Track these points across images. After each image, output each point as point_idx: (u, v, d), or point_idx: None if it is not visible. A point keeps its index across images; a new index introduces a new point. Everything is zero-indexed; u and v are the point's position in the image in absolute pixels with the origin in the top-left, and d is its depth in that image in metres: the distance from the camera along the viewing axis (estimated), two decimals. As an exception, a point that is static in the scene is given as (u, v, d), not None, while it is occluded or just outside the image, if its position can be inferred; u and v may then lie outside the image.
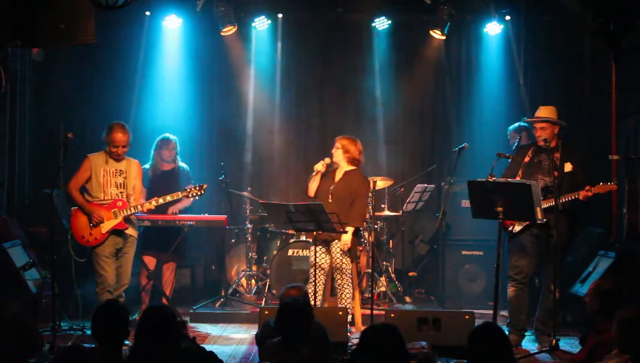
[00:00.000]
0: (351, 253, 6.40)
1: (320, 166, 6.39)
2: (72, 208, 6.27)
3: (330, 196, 6.30)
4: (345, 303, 6.33)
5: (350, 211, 6.27)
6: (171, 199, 6.50)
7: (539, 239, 6.07)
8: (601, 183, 5.91)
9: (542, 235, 6.04)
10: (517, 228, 6.12)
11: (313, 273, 6.11)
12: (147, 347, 3.52)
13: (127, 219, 6.28)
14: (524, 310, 6.13)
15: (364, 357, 3.43)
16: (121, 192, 6.28)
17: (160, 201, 6.43)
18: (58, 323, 5.93)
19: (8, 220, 6.97)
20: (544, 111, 6.19)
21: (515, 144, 7.16)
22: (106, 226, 6.18)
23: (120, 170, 6.30)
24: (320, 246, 6.34)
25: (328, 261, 6.40)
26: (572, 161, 6.08)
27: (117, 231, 6.24)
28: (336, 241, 6.32)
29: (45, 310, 6.21)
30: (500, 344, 3.48)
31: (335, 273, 6.39)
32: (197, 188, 6.52)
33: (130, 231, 6.35)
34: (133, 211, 6.29)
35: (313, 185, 6.42)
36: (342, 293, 6.38)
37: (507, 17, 8.46)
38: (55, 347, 5.41)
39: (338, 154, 6.44)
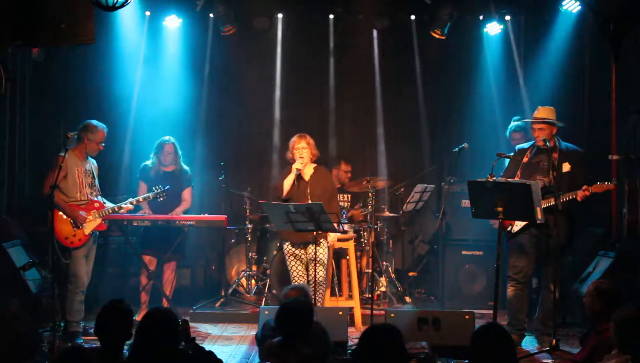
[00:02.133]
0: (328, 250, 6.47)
1: (300, 165, 6.35)
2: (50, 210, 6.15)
3: (309, 197, 6.25)
4: (320, 302, 6.30)
5: (330, 208, 6.20)
6: (142, 201, 6.68)
7: (538, 239, 6.07)
8: (598, 183, 5.92)
9: (541, 235, 6.04)
10: (516, 228, 6.12)
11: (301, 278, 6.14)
12: (148, 347, 3.53)
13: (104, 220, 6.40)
14: (523, 309, 6.13)
15: (364, 357, 3.43)
16: (92, 192, 6.36)
17: (134, 202, 6.59)
18: (58, 323, 5.93)
19: (8, 220, 6.97)
20: (542, 112, 6.20)
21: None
22: (88, 227, 6.25)
23: (88, 170, 6.38)
24: (299, 250, 6.37)
25: (303, 272, 6.40)
26: (571, 161, 6.08)
27: (95, 232, 6.37)
28: (322, 240, 6.31)
29: (45, 310, 6.22)
30: (503, 344, 3.47)
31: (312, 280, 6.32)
32: (162, 191, 6.67)
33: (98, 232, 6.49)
34: (111, 211, 6.38)
35: (287, 185, 6.36)
36: (317, 296, 6.31)
37: (507, 17, 8.46)
38: (55, 347, 5.42)
39: (306, 153, 6.40)
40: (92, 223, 6.27)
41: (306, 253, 6.40)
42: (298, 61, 8.86)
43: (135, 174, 7.34)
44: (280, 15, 8.74)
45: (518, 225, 6.11)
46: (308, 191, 6.32)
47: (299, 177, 6.39)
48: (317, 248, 6.19)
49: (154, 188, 6.69)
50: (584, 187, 5.85)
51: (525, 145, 6.36)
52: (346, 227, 7.15)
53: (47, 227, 5.90)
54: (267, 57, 8.85)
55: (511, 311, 6.18)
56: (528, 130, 7.24)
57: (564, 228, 6.02)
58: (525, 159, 6.20)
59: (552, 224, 5.83)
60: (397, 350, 3.43)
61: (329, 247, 6.44)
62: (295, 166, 6.35)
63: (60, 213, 6.18)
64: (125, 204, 6.51)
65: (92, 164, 6.46)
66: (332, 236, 6.37)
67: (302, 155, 6.37)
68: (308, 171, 6.45)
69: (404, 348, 3.49)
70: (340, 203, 7.55)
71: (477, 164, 7.54)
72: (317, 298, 6.22)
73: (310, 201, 6.18)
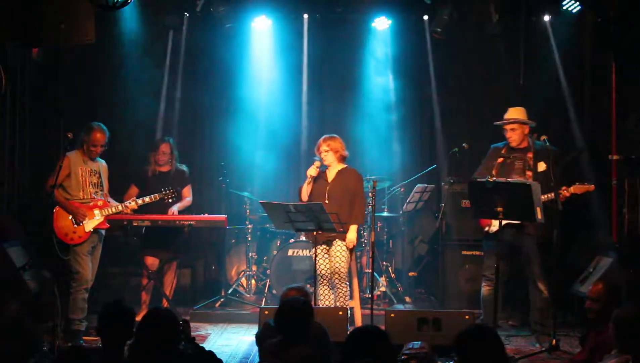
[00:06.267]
0: (351, 251, 6.42)
1: (314, 171, 6.36)
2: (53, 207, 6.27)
3: (327, 198, 6.28)
4: (342, 302, 6.33)
5: (353, 209, 6.29)
6: (149, 201, 6.67)
7: (516, 238, 6.08)
8: (577, 183, 5.94)
9: (517, 234, 6.05)
10: (494, 228, 6.14)
11: (315, 277, 6.12)
12: (147, 347, 3.53)
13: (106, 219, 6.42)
14: (497, 308, 6.11)
15: (352, 359, 3.42)
16: (97, 192, 6.42)
17: (140, 202, 6.61)
18: (58, 323, 5.93)
19: (8, 220, 6.97)
20: (513, 113, 6.26)
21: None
22: (89, 224, 6.30)
23: (94, 170, 6.44)
24: (321, 246, 6.33)
25: (328, 265, 6.40)
26: (546, 160, 6.11)
27: (97, 231, 6.38)
28: (337, 240, 6.32)
29: (45, 310, 6.21)
30: (491, 347, 3.43)
31: (333, 271, 6.38)
32: (172, 192, 6.74)
33: (103, 230, 6.49)
34: (114, 210, 6.43)
35: (307, 189, 6.41)
36: (339, 292, 6.38)
37: (507, 17, 8.45)
38: (55, 347, 5.42)
39: (329, 156, 6.41)
40: (93, 221, 6.32)
41: (328, 249, 6.41)
42: (298, 60, 8.85)
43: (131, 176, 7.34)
44: (280, 15, 8.73)
45: (495, 226, 6.13)
46: (327, 192, 6.32)
47: (322, 179, 6.41)
48: (333, 247, 6.28)
49: (162, 189, 6.71)
50: (563, 188, 5.88)
51: (499, 144, 6.38)
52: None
53: (47, 226, 5.93)
54: (266, 57, 8.84)
55: (486, 310, 6.20)
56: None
57: (543, 228, 6.04)
58: (500, 160, 6.23)
59: (529, 224, 5.86)
60: (384, 351, 3.42)
61: (341, 250, 6.38)
62: (309, 173, 6.38)
63: (61, 210, 6.23)
64: (130, 203, 6.56)
65: (100, 164, 6.53)
66: (350, 238, 6.31)
67: (325, 157, 6.41)
68: (332, 173, 6.45)
69: (393, 350, 3.48)
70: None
71: (477, 164, 7.53)
72: (336, 298, 6.33)
73: (327, 202, 6.18)
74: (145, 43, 8.52)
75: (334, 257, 6.34)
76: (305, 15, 8.78)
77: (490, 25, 8.42)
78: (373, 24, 8.73)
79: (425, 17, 8.60)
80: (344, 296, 6.38)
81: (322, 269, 6.35)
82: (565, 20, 8.16)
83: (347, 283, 6.42)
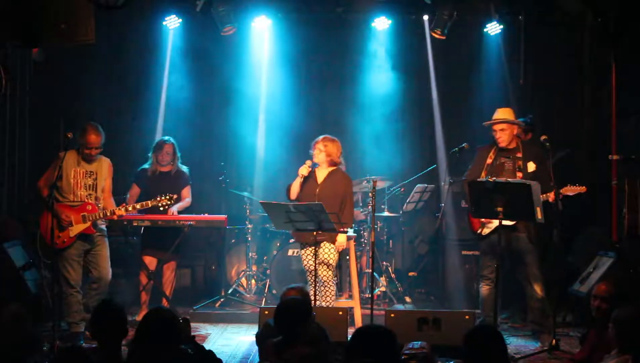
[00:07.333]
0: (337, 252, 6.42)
1: (305, 171, 6.35)
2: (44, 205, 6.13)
3: (316, 199, 6.26)
4: (329, 302, 6.32)
5: (342, 212, 6.26)
6: (141, 208, 6.53)
7: (509, 239, 6.09)
8: (569, 185, 5.95)
9: (511, 236, 6.06)
10: (486, 230, 6.16)
11: (309, 278, 6.10)
12: (147, 347, 3.53)
13: (94, 224, 6.26)
14: (497, 308, 6.12)
15: (356, 357, 3.42)
16: (90, 194, 6.25)
17: (130, 208, 6.42)
18: (58, 323, 5.93)
19: (8, 220, 6.97)
20: (502, 113, 6.27)
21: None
22: (75, 229, 6.14)
23: (90, 171, 6.28)
24: (310, 248, 6.31)
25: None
26: (535, 160, 6.13)
27: (84, 235, 6.21)
28: (325, 242, 6.30)
29: (45, 310, 6.21)
30: (496, 346, 3.44)
31: (319, 271, 6.34)
32: (167, 198, 6.52)
33: (98, 230, 6.33)
34: (102, 215, 6.26)
35: (295, 188, 6.40)
36: (325, 292, 6.34)
37: (508, 17, 8.45)
38: (55, 347, 5.42)
39: (321, 156, 6.41)
40: (78, 226, 6.15)
41: (316, 251, 6.38)
42: (298, 60, 8.85)
43: (132, 175, 7.34)
44: (280, 15, 8.73)
45: (489, 228, 6.13)
46: (317, 192, 6.32)
47: (312, 179, 6.40)
48: (321, 249, 6.24)
49: (159, 197, 6.53)
50: (554, 190, 5.88)
51: (485, 145, 6.38)
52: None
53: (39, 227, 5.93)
54: (267, 57, 8.84)
55: (485, 309, 6.21)
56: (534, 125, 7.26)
57: (533, 228, 6.08)
58: (489, 161, 6.24)
59: (521, 225, 5.94)
60: (390, 352, 3.42)
61: (329, 251, 6.36)
62: (300, 171, 6.36)
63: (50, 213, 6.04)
64: (120, 209, 6.36)
65: (101, 164, 6.35)
66: (340, 241, 6.32)
67: (316, 155, 6.42)
68: (322, 174, 6.45)
69: (397, 351, 3.48)
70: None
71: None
72: (320, 297, 6.28)
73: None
74: (145, 43, 8.52)
75: (322, 254, 6.29)
76: (305, 15, 8.78)
77: (490, 25, 8.41)
78: (373, 24, 8.72)
79: (425, 17, 8.60)
80: (330, 297, 6.36)
81: (311, 268, 6.33)
82: (565, 20, 8.15)
83: (333, 283, 6.42)
